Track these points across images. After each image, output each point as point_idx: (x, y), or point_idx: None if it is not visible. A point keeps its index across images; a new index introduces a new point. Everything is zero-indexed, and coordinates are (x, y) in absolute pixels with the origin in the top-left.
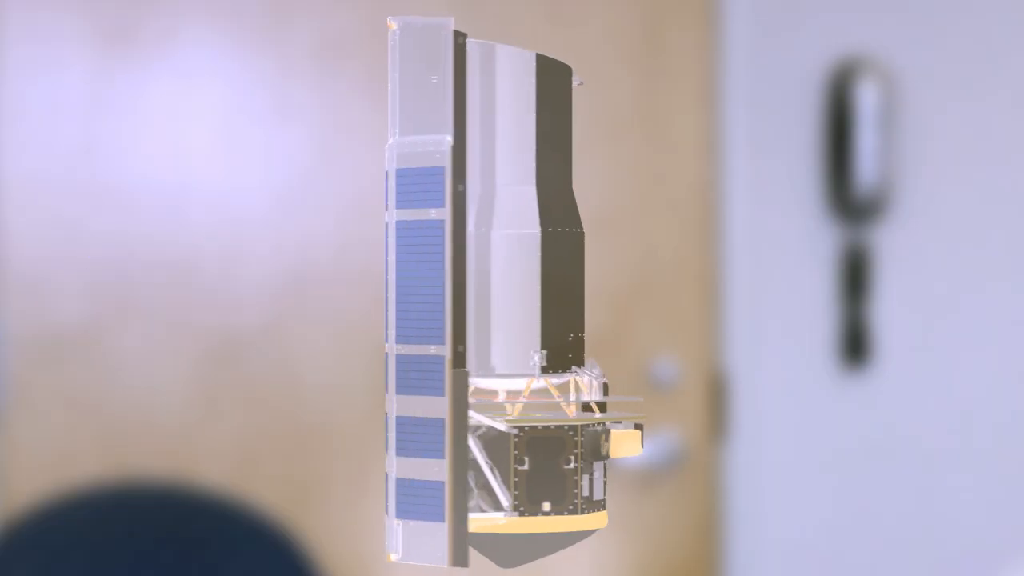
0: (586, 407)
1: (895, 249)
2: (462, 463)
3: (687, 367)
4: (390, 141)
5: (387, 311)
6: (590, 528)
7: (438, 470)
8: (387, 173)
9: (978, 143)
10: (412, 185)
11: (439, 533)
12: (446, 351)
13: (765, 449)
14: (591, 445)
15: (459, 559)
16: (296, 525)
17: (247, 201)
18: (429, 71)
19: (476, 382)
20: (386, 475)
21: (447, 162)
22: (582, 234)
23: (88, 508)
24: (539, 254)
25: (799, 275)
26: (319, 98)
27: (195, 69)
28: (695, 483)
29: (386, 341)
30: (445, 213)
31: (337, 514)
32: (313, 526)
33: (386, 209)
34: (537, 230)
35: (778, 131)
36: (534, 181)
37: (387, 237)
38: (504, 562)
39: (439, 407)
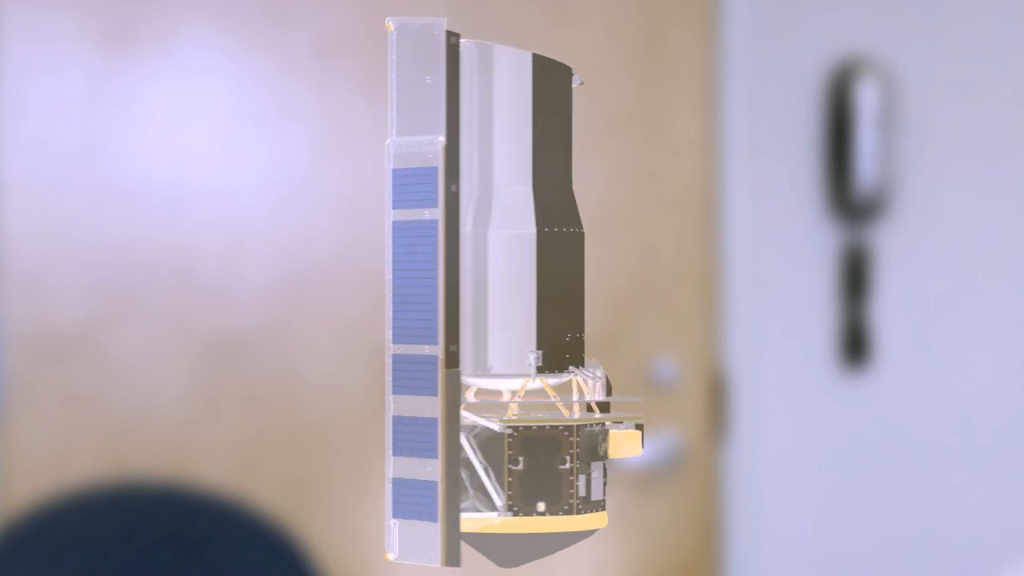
0: (587, 407)
1: (895, 249)
2: (454, 463)
3: (687, 367)
4: (388, 141)
5: (387, 311)
6: (590, 528)
7: (431, 470)
8: (385, 171)
9: (978, 143)
10: (407, 185)
11: (432, 532)
12: (439, 351)
13: (765, 449)
14: (588, 445)
15: (451, 559)
16: (296, 525)
17: (247, 201)
18: (424, 72)
19: (477, 382)
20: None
21: (440, 162)
22: (582, 234)
23: (88, 508)
24: (535, 254)
25: (799, 275)
26: (318, 98)
27: (195, 69)
28: (695, 483)
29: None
30: (438, 213)
31: (337, 514)
32: (313, 526)
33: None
34: (533, 230)
35: (778, 131)
36: (530, 181)
37: (387, 237)
38: (504, 562)
39: (432, 407)
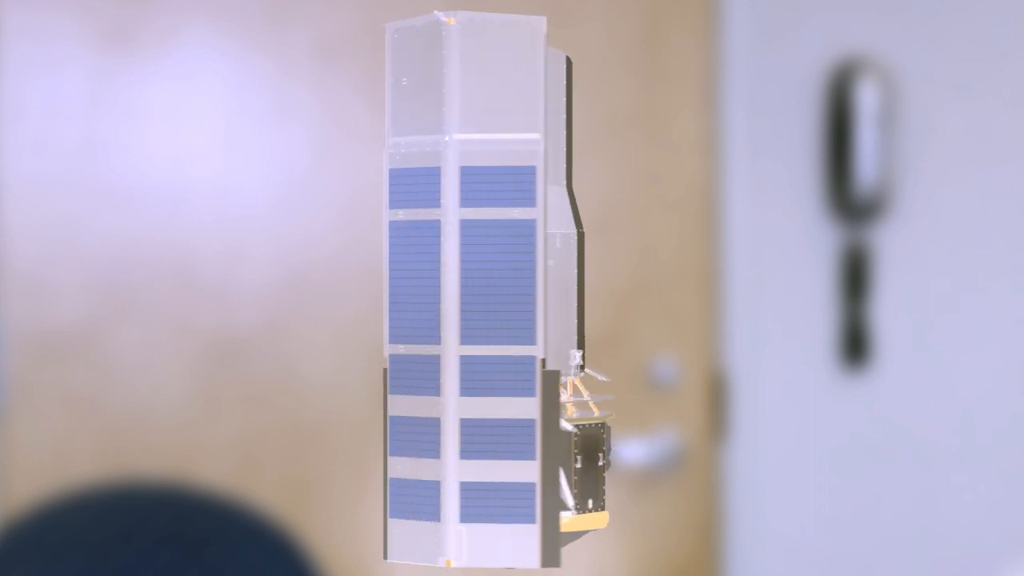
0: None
1: (895, 249)
2: (551, 463)
3: (687, 367)
4: (449, 137)
5: (444, 312)
6: (590, 528)
7: (527, 471)
8: (442, 170)
9: (978, 143)
10: (488, 184)
11: (527, 535)
12: (538, 351)
13: (765, 449)
14: (592, 445)
15: (551, 559)
16: (296, 525)
17: (247, 201)
18: (516, 69)
19: None
20: (436, 481)
21: (540, 161)
22: (582, 234)
23: (88, 508)
24: (576, 254)
25: (799, 275)
26: (318, 98)
27: (195, 69)
28: (695, 483)
29: (436, 343)
30: (537, 213)
31: (337, 514)
32: (313, 526)
33: (437, 206)
34: (573, 230)
35: (778, 131)
36: (564, 182)
37: (442, 235)
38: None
39: (528, 408)
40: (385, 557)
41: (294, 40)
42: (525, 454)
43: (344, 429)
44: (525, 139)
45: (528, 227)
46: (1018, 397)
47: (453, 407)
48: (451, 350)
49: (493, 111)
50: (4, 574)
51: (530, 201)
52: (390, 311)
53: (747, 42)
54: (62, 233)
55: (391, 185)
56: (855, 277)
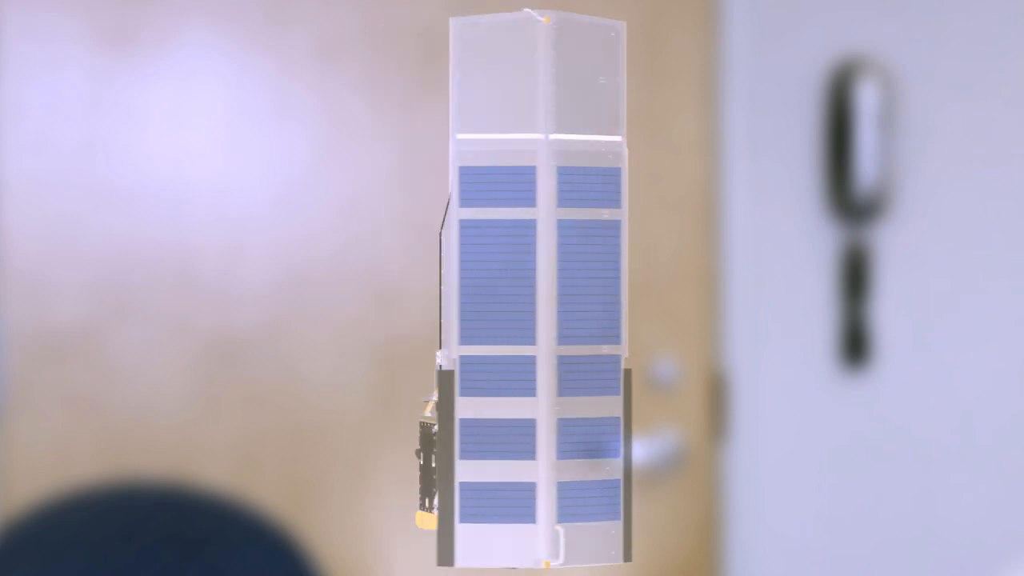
0: None
1: (895, 249)
2: (631, 460)
3: (687, 367)
4: (546, 137)
5: (539, 311)
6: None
7: (613, 469)
8: (537, 169)
9: (978, 143)
10: (581, 184)
11: (614, 531)
12: (623, 351)
13: (765, 449)
14: None
15: (629, 554)
16: (296, 525)
17: (247, 201)
18: (598, 72)
19: None
20: (531, 483)
21: (624, 163)
22: None
23: (88, 508)
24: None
25: (799, 275)
26: (318, 98)
27: (195, 69)
28: (695, 483)
29: (532, 343)
30: (623, 214)
31: (337, 514)
32: (313, 526)
33: (531, 205)
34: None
35: (778, 131)
36: None
37: (538, 235)
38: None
39: (614, 406)
40: (448, 563)
41: (294, 40)
42: (612, 452)
43: (344, 429)
44: (610, 141)
45: (615, 228)
46: (1018, 397)
47: (550, 407)
48: (547, 350)
49: (581, 112)
50: (4, 574)
51: (617, 202)
52: (462, 311)
53: (747, 42)
54: (62, 233)
55: (462, 183)
56: (855, 277)
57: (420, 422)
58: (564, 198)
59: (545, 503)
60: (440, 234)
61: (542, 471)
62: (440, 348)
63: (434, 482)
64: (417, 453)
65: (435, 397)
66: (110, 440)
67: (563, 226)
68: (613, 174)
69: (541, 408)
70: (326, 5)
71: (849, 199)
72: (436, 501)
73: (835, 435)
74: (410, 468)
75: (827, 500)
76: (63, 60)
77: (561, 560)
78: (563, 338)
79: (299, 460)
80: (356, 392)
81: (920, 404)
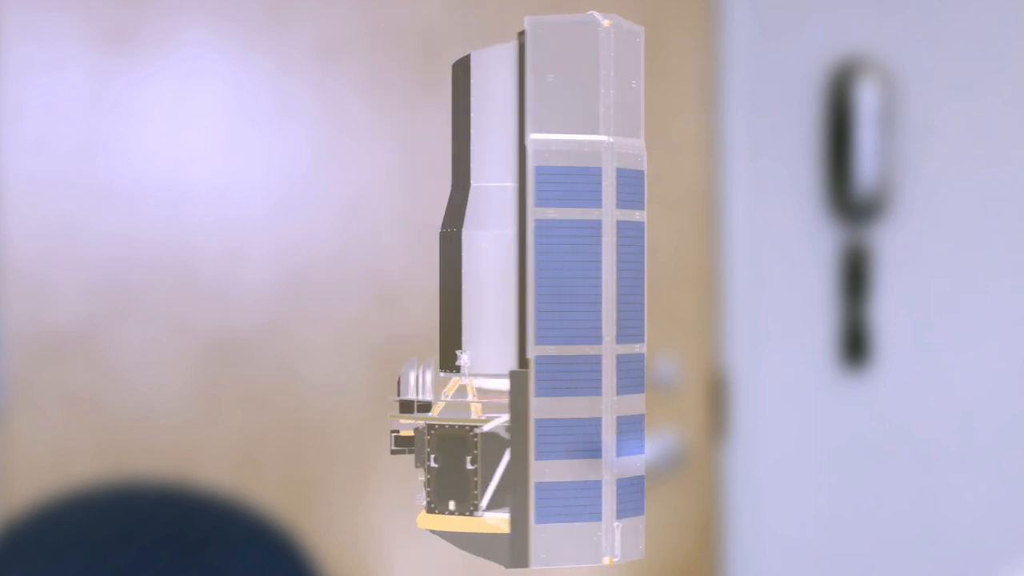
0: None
1: (895, 249)
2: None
3: (687, 367)
4: (608, 139)
5: (604, 311)
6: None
7: (640, 465)
8: (602, 170)
9: (978, 143)
10: (626, 187)
11: (640, 527)
12: (645, 348)
13: (765, 449)
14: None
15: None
16: (296, 525)
17: (247, 201)
18: (627, 75)
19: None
20: (597, 481)
21: (645, 166)
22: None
23: (88, 508)
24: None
25: (799, 275)
26: (318, 98)
27: (195, 69)
28: (695, 483)
29: (599, 342)
30: (645, 215)
31: (337, 514)
32: (313, 526)
33: (597, 206)
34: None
35: (778, 131)
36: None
37: (603, 235)
38: (508, 561)
39: (641, 403)
40: (523, 565)
41: (294, 40)
42: (641, 449)
43: (344, 429)
44: (635, 144)
45: (641, 229)
46: (1018, 397)
47: (612, 406)
48: (610, 349)
49: (624, 115)
50: (4, 574)
51: (642, 204)
52: (538, 311)
53: (747, 42)
54: (62, 233)
55: (539, 183)
56: (855, 277)
57: (474, 428)
58: (620, 199)
59: (608, 500)
60: (440, 234)
61: (606, 469)
62: (460, 348)
63: (475, 484)
64: (429, 456)
65: (472, 398)
66: (110, 440)
67: (621, 227)
68: (640, 176)
69: (606, 406)
70: (326, 5)
71: (849, 199)
72: (483, 503)
73: (835, 435)
74: (410, 468)
75: (827, 500)
76: (63, 60)
77: (619, 556)
78: (621, 337)
79: (299, 460)
80: (356, 392)
81: (920, 404)
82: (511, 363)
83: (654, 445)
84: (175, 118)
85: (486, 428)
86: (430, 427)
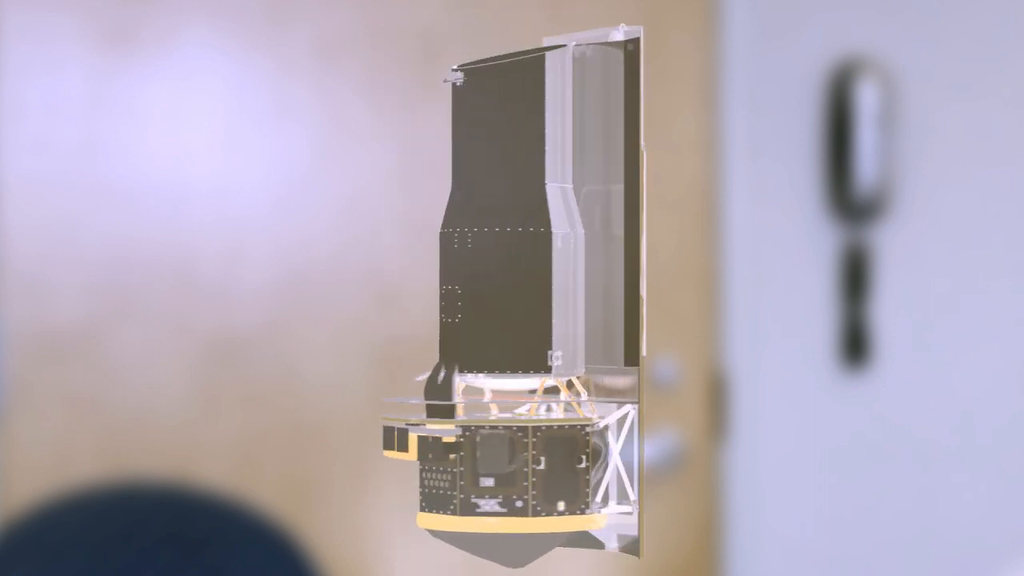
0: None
1: (895, 249)
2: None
3: (687, 367)
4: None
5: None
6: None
7: None
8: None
9: (978, 143)
10: None
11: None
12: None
13: (765, 449)
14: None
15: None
16: (296, 525)
17: (247, 201)
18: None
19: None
20: None
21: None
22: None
23: (88, 508)
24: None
25: (799, 275)
26: (318, 98)
27: (195, 69)
28: (695, 483)
29: None
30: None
31: (337, 514)
32: (313, 526)
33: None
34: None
35: (778, 131)
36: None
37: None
38: (509, 561)
39: None
40: (636, 554)
41: (294, 40)
42: None
43: (344, 429)
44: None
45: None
46: (1018, 397)
47: None
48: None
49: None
50: (4, 574)
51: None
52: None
53: (747, 42)
54: (62, 233)
55: None
56: (855, 277)
57: (586, 427)
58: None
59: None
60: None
61: None
62: (552, 348)
63: (587, 483)
64: (535, 458)
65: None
66: (110, 440)
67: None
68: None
69: None
70: (326, 5)
71: (849, 199)
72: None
73: (835, 435)
74: (410, 468)
75: (827, 500)
76: (63, 60)
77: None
78: None
79: (299, 460)
80: (356, 392)
81: (920, 404)
82: (598, 362)
83: (653, 446)
84: (175, 118)
85: (601, 424)
86: (535, 429)
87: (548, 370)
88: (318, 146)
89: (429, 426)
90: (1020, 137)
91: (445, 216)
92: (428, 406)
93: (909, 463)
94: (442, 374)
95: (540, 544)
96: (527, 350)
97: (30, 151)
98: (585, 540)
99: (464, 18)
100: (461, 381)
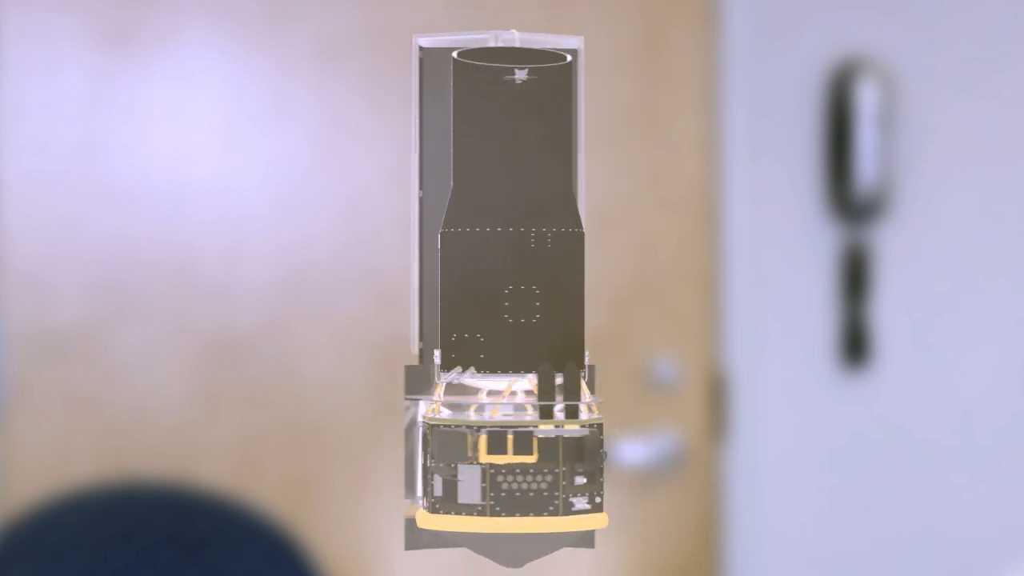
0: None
1: (895, 249)
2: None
3: (687, 367)
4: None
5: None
6: (588, 528)
7: None
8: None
9: (978, 143)
10: None
11: None
12: None
13: (765, 449)
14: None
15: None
16: (296, 525)
17: (247, 201)
18: None
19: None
20: None
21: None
22: (582, 234)
23: (88, 508)
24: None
25: (799, 275)
26: (318, 98)
27: (195, 69)
28: (695, 483)
29: None
30: None
31: (337, 514)
32: (313, 526)
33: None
34: (574, 230)
35: (778, 131)
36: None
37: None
38: (508, 561)
39: None
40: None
41: (294, 40)
42: None
43: (344, 429)
44: None
45: None
46: (1018, 397)
47: None
48: None
49: None
50: (4, 574)
51: None
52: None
53: (747, 42)
54: (62, 233)
55: None
56: (855, 277)
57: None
58: None
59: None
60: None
61: None
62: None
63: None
64: (603, 456)
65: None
66: (110, 440)
67: None
68: None
69: None
70: (326, 5)
71: (849, 199)
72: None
73: (835, 435)
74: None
75: (827, 500)
76: (63, 60)
77: None
78: None
79: (299, 460)
80: (356, 392)
81: (920, 404)
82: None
83: (653, 446)
84: (175, 118)
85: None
86: (601, 426)
87: (580, 367)
88: (318, 146)
89: (567, 427)
90: (1020, 137)
91: (446, 216)
92: (542, 407)
93: (909, 463)
94: (458, 373)
95: (542, 544)
96: (553, 351)
97: (30, 151)
98: (564, 539)
99: (464, 18)
100: (459, 380)
